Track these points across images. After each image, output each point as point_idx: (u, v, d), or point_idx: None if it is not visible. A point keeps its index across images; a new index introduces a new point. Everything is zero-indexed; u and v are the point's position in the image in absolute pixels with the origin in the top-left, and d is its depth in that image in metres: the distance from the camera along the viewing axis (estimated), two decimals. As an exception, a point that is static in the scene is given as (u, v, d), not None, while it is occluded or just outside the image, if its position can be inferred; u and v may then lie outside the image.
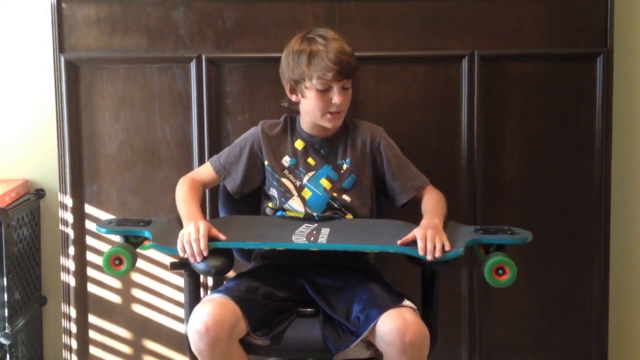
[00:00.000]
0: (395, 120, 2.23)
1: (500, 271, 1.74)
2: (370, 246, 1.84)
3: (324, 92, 1.89)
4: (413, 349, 1.67)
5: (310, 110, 1.93)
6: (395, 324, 1.68)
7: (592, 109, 2.26)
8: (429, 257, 1.73)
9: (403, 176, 2.00)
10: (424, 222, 1.84)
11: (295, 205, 1.96)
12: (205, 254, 1.75)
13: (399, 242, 1.78)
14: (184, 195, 1.94)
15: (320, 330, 1.78)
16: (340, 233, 1.86)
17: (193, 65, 2.19)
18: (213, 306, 1.70)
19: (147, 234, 1.83)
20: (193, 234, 1.75)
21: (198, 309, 1.71)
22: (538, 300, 2.32)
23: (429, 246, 1.74)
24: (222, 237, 1.78)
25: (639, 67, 2.40)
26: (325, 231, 1.87)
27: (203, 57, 2.18)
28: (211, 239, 1.77)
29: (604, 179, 2.28)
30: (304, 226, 1.91)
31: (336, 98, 1.88)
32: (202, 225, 1.77)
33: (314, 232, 1.87)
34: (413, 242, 1.77)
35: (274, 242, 1.82)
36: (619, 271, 2.42)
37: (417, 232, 1.77)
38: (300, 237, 1.82)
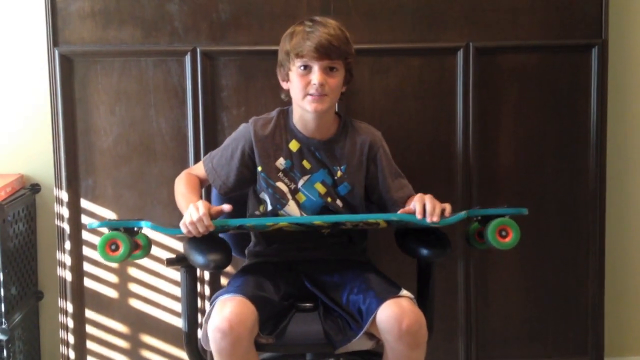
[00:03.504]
0: (391, 113, 2.23)
1: (503, 233, 1.76)
2: (374, 215, 1.83)
3: (305, 72, 1.83)
4: (410, 336, 1.69)
5: (294, 94, 1.87)
6: (392, 312, 1.70)
7: (587, 100, 2.27)
8: (428, 219, 1.73)
9: (395, 187, 1.95)
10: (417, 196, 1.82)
11: (291, 211, 1.92)
12: (211, 229, 1.74)
13: (399, 211, 1.78)
14: (182, 190, 1.92)
15: (320, 325, 1.78)
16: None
17: (188, 58, 2.18)
18: (235, 305, 1.69)
19: (143, 223, 1.80)
20: (194, 215, 1.74)
21: (219, 307, 1.70)
22: (534, 291, 2.33)
23: (429, 208, 1.74)
24: (225, 207, 1.77)
25: (633, 58, 2.40)
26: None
27: (198, 50, 2.18)
28: (213, 216, 1.76)
29: (599, 170, 2.28)
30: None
31: (315, 78, 1.81)
32: (201, 204, 1.75)
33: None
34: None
35: (280, 217, 1.80)
36: (614, 262, 2.43)
37: (415, 200, 1.78)
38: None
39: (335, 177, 1.92)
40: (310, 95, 1.84)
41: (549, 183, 2.29)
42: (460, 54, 2.22)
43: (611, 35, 2.27)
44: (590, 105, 2.27)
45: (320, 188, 1.92)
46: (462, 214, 1.76)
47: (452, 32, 2.22)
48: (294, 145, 1.92)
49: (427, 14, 2.21)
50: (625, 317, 2.48)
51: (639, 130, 2.44)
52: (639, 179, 2.45)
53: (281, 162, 1.92)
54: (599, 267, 2.31)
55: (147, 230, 1.83)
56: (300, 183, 1.92)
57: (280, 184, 1.92)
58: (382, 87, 2.23)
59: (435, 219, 1.74)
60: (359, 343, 1.76)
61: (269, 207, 1.93)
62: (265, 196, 1.94)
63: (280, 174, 1.92)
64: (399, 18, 2.21)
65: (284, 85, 1.93)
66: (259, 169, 1.92)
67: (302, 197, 1.92)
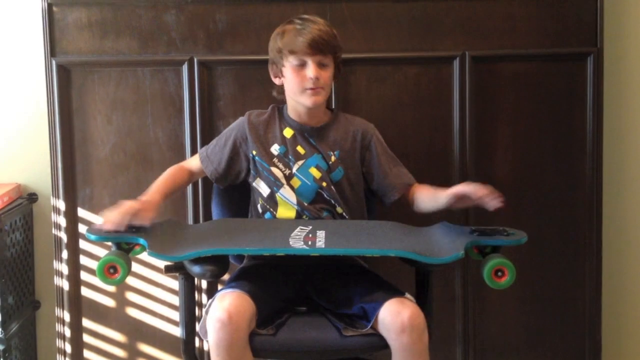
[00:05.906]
0: (388, 121, 2.23)
1: (499, 273, 1.76)
2: (370, 250, 1.82)
3: (300, 68, 1.91)
4: (412, 328, 1.72)
5: (290, 89, 1.94)
6: (395, 307, 1.74)
7: (583, 108, 2.28)
8: (490, 201, 1.77)
9: (393, 174, 2.01)
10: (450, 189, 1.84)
11: (287, 194, 1.95)
12: (122, 229, 1.76)
13: (451, 190, 1.82)
14: (159, 179, 1.97)
15: (314, 332, 1.78)
16: (336, 236, 1.85)
17: (185, 68, 2.19)
18: (234, 297, 1.72)
19: (141, 241, 1.79)
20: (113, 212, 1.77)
21: (218, 300, 1.72)
22: (531, 299, 2.33)
23: (485, 190, 1.78)
24: (145, 223, 1.79)
25: (629, 66, 2.41)
26: (321, 234, 1.86)
27: (195, 59, 2.18)
28: (135, 228, 1.77)
29: (596, 178, 2.29)
30: (298, 229, 1.90)
31: (310, 72, 1.89)
32: (128, 202, 1.79)
33: (310, 235, 1.86)
34: (415, 243, 1.78)
35: (274, 247, 1.80)
36: (612, 270, 2.43)
37: (461, 185, 1.83)
38: (297, 242, 1.82)
39: (330, 162, 1.97)
40: (308, 89, 1.91)
41: (546, 191, 2.30)
42: (456, 63, 2.22)
43: (606, 43, 2.28)
44: (587, 113, 2.28)
45: (315, 172, 1.96)
46: (461, 253, 1.75)
47: (449, 41, 2.22)
48: (287, 132, 1.99)
49: (423, 23, 2.21)
50: (623, 325, 2.48)
51: (635, 137, 2.44)
52: (636, 186, 2.46)
53: (275, 148, 1.98)
54: (596, 275, 2.31)
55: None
56: (295, 168, 1.96)
57: (274, 169, 1.96)
58: (379, 96, 2.24)
59: (498, 202, 1.77)
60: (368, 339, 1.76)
61: (267, 191, 1.96)
62: (260, 182, 1.97)
63: (275, 160, 1.97)
64: (395, 27, 2.21)
65: (277, 81, 1.99)
66: (254, 152, 1.97)
67: (297, 182, 1.96)
